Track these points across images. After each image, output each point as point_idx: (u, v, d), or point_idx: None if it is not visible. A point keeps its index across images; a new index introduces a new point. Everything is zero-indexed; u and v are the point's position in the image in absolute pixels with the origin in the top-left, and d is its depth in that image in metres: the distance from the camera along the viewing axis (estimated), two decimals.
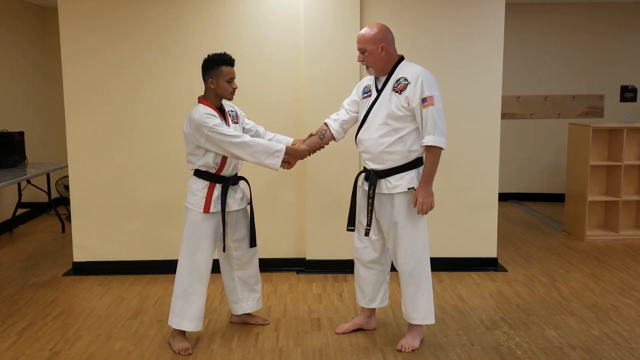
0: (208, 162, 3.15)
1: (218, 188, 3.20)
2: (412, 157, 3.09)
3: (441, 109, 3.00)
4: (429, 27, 4.43)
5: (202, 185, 3.19)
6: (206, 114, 3.07)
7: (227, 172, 3.22)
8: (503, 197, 7.15)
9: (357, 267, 3.40)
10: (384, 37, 3.08)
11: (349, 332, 3.44)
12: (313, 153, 3.34)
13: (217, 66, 3.13)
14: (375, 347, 3.26)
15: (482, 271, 4.59)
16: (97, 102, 4.46)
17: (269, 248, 4.57)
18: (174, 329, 3.25)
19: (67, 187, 6.44)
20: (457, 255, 4.64)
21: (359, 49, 3.10)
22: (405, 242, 3.13)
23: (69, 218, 6.05)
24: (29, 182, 6.08)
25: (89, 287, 4.30)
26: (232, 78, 3.17)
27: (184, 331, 3.26)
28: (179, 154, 4.40)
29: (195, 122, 3.06)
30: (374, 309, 3.49)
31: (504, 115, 7.17)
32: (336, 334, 3.43)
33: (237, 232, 3.38)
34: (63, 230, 5.97)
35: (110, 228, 4.57)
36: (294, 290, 4.22)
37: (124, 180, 4.53)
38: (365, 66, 3.15)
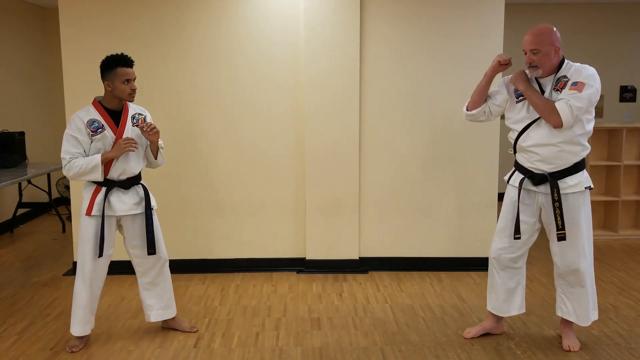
0: None
1: (103, 191, 3.17)
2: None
3: (588, 99, 2.89)
4: (429, 27, 4.44)
5: (90, 189, 3.19)
6: (74, 118, 3.10)
7: (114, 175, 3.16)
8: (503, 197, 7.15)
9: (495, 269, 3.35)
10: (557, 38, 3.00)
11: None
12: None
13: (112, 67, 3.06)
14: (376, 347, 3.27)
15: (482, 271, 4.59)
16: None
17: (268, 248, 4.58)
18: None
19: (67, 187, 6.45)
20: (457, 255, 4.65)
21: (532, 50, 2.96)
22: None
23: (69, 218, 6.06)
24: (29, 182, 6.09)
25: None
26: (130, 79, 3.08)
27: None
28: (178, 154, 4.42)
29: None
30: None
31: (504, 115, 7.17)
32: (464, 338, 3.36)
33: (133, 238, 3.27)
34: (63, 230, 5.97)
35: None
36: (294, 290, 4.22)
37: None
38: (531, 66, 3.02)
